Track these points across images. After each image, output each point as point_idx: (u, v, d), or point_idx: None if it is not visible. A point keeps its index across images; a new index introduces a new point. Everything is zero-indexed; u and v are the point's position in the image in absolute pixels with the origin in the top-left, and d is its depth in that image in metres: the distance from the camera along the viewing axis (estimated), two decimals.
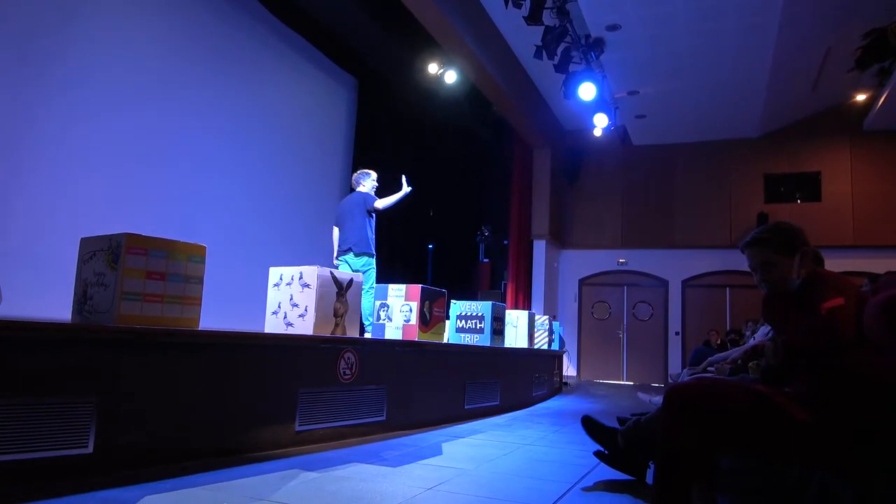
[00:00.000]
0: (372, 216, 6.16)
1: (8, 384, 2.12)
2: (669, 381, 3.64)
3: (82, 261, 2.80)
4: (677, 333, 12.90)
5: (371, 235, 6.11)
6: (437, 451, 3.45)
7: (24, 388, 2.16)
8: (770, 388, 2.01)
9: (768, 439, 1.91)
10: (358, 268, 6.00)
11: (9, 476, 2.10)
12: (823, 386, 1.89)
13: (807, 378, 1.96)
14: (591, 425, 3.08)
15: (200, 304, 2.91)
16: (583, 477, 2.96)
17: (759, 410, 1.90)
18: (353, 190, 6.43)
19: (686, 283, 13.03)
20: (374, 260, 6.14)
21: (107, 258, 2.67)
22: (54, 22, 5.64)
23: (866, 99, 11.12)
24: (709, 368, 3.52)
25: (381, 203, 6.07)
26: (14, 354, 2.15)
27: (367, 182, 6.33)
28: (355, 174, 6.48)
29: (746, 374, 3.03)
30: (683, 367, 10.88)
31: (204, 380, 2.79)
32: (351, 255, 6.06)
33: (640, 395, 9.33)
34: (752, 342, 3.71)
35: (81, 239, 2.84)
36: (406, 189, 6.15)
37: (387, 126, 10.39)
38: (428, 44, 8.87)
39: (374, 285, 5.44)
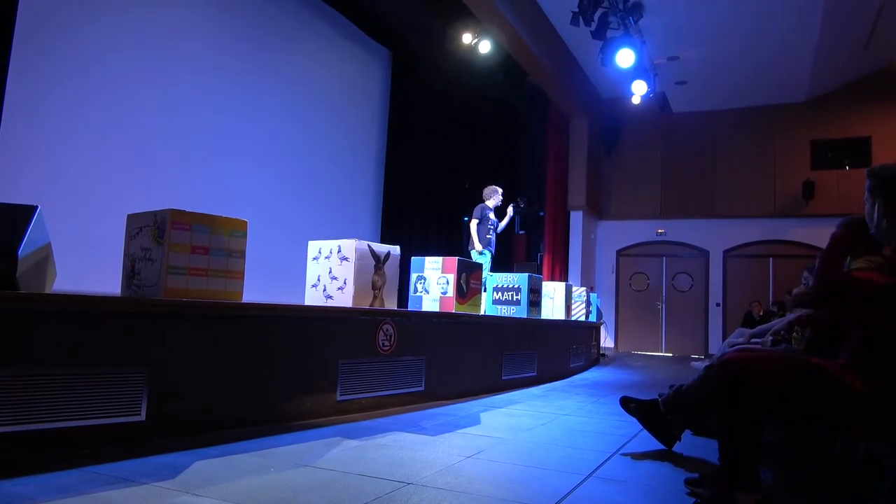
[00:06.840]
0: (482, 221, 7.43)
1: (65, 355, 2.23)
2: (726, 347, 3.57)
3: (129, 236, 2.89)
4: (718, 304, 12.68)
5: (481, 237, 7.37)
6: (475, 421, 3.49)
7: (79, 359, 2.27)
8: (823, 359, 1.96)
9: (824, 410, 1.87)
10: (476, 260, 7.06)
11: (70, 440, 2.22)
12: (880, 355, 1.84)
13: (861, 348, 1.91)
14: (628, 403, 3.07)
15: (243, 278, 2.98)
16: (622, 446, 2.96)
17: (815, 382, 1.85)
18: (482, 200, 7.61)
19: (728, 254, 12.75)
20: (484, 255, 7.31)
21: (153, 234, 2.75)
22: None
23: None
24: (752, 340, 3.46)
25: (472, 224, 7.42)
26: (70, 326, 2.25)
27: (494, 197, 7.62)
28: (486, 189, 7.71)
29: (790, 346, 2.98)
30: (724, 339, 10.71)
31: (249, 351, 2.88)
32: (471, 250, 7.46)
33: (693, 364, 9.31)
34: (794, 314, 3.62)
35: (128, 215, 2.92)
36: (510, 214, 7.86)
37: (421, 98, 10.33)
38: (461, 13, 8.74)
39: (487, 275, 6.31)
